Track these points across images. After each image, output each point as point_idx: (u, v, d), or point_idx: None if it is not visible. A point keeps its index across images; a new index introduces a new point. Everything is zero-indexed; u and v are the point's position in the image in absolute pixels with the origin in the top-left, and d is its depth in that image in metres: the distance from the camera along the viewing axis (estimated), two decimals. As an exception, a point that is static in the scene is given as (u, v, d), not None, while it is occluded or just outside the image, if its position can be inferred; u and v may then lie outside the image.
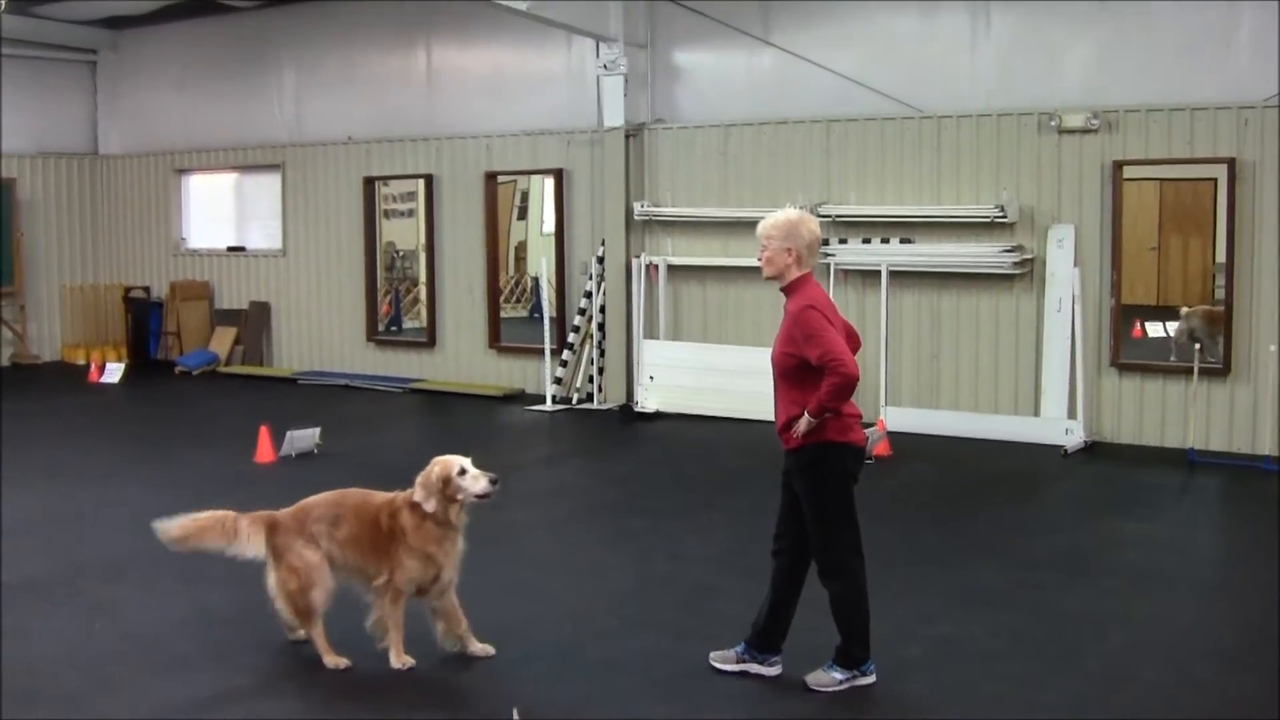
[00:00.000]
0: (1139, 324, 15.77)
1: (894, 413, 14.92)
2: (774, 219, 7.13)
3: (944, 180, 15.19)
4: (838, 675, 7.14)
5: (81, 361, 21.67)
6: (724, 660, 7.43)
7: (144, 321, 22.14)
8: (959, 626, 8.40)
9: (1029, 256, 14.61)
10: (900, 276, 15.32)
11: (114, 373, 20.19)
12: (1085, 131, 14.23)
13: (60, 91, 22.66)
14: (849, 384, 6.76)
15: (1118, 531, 10.92)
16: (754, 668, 7.34)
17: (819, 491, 7.03)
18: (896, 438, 14.05)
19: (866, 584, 7.15)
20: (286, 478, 13.22)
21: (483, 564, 10.07)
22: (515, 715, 6.16)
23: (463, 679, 7.55)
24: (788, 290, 7.10)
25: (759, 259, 7.19)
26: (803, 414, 6.88)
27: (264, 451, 13.80)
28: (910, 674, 7.47)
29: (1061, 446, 13.96)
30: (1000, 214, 14.58)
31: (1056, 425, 14.23)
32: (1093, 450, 14.03)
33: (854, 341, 7.28)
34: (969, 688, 7.28)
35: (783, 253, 7.06)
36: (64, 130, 22.80)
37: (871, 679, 7.18)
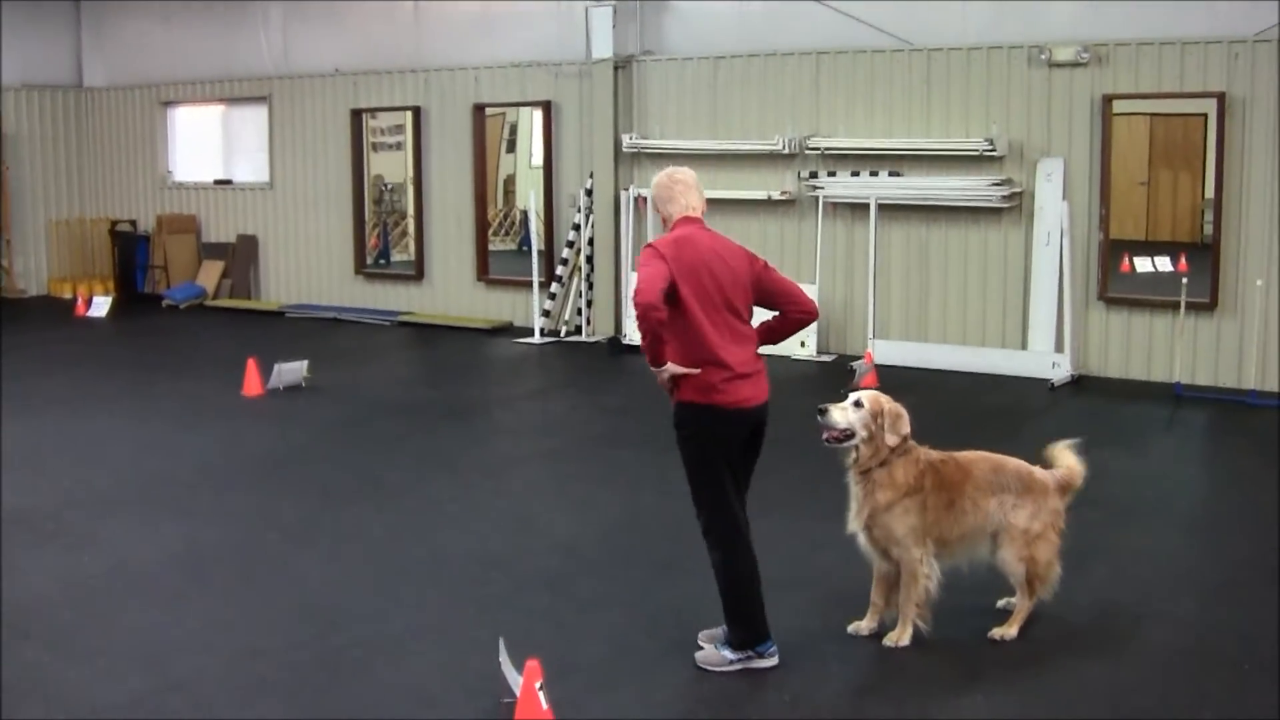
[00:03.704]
0: (1127, 259, 15.74)
1: (882, 345, 14.95)
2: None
3: (933, 113, 15.14)
4: (728, 655, 6.69)
5: (68, 295, 21.61)
6: (711, 663, 6.77)
7: (131, 255, 22.04)
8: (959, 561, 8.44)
9: (1018, 190, 14.59)
10: (889, 209, 15.30)
11: (101, 306, 20.15)
12: (1075, 65, 14.17)
13: (44, 24, 22.42)
14: (644, 312, 6.29)
15: (1103, 465, 10.87)
16: (756, 664, 6.71)
17: (683, 453, 6.68)
18: (884, 370, 14.08)
19: (745, 561, 6.65)
20: (275, 410, 13.25)
21: (473, 496, 10.11)
22: (501, 647, 6.19)
23: (452, 611, 7.59)
24: None
25: None
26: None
27: (251, 384, 13.80)
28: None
29: (1048, 380, 14.01)
30: (989, 147, 14.55)
31: (1044, 359, 14.27)
32: (1079, 384, 14.07)
33: (793, 307, 6.99)
34: (951, 617, 7.31)
35: (655, 214, 7.10)
36: (48, 63, 22.58)
37: (770, 662, 6.70)
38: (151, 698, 6.51)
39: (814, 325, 15.24)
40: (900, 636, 6.96)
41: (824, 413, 6.91)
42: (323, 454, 11.56)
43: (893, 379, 13.91)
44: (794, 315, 7.02)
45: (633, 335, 16.43)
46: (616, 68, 17.00)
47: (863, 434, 6.88)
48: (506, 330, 18.00)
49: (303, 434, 12.28)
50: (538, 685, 5.76)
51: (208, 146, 22.23)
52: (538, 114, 18.51)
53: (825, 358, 15.38)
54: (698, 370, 6.54)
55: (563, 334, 17.37)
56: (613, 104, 17.04)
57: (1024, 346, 14.62)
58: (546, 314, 17.43)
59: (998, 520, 6.99)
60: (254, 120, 21.23)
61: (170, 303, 20.86)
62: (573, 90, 17.66)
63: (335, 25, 19.99)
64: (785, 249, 16.04)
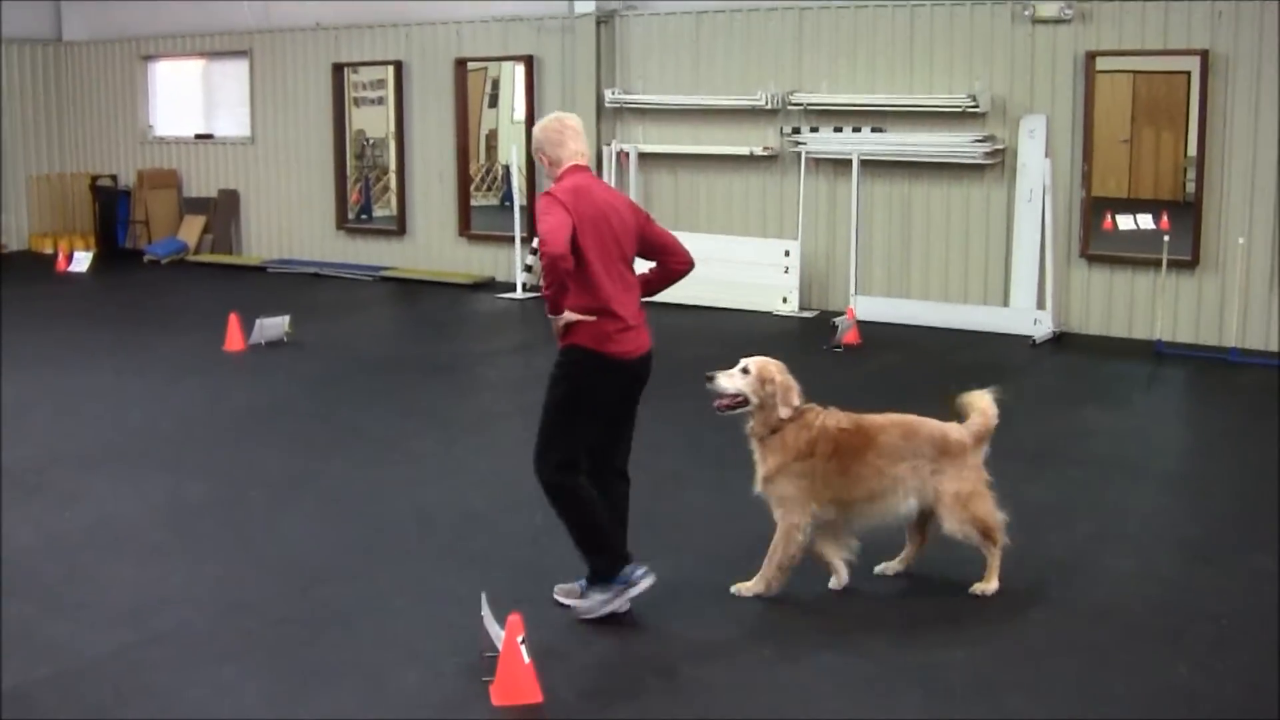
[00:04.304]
0: (1109, 216, 15.78)
1: (864, 301, 14.97)
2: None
3: (916, 69, 15.12)
4: (597, 595, 6.77)
5: (49, 251, 21.50)
6: (583, 609, 6.85)
7: (112, 210, 21.95)
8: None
9: (1000, 147, 14.60)
10: (871, 166, 15.30)
11: (82, 261, 20.06)
12: (1059, 22, 14.16)
13: (21, -25, 22.29)
14: (553, 261, 6.33)
15: (1085, 422, 11.02)
16: (629, 593, 6.78)
17: (554, 393, 6.73)
18: (866, 327, 14.11)
19: (586, 490, 6.73)
20: (256, 365, 13.25)
21: (456, 453, 10.13)
22: (484, 601, 6.21)
23: (434, 566, 7.62)
24: (557, 183, 6.89)
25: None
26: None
27: (233, 339, 13.78)
28: (870, 556, 7.52)
29: (1030, 337, 14.05)
30: (972, 104, 14.55)
31: (1025, 316, 14.30)
32: (1061, 341, 14.12)
33: (673, 260, 7.08)
34: (928, 570, 7.39)
35: (540, 158, 7.00)
36: (25, 16, 22.33)
37: (645, 583, 6.78)
38: (136, 649, 6.54)
39: (795, 281, 15.38)
40: (751, 588, 7.09)
41: (711, 380, 7.04)
42: (305, 409, 11.56)
43: (875, 335, 13.95)
44: (675, 268, 7.12)
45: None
46: (599, 22, 16.94)
47: (754, 400, 6.99)
48: (489, 285, 17.99)
49: (285, 389, 12.27)
50: (519, 639, 5.78)
51: (189, 101, 22.11)
52: (520, 68, 18.44)
53: (807, 314, 15.40)
54: (593, 317, 6.61)
55: (544, 289, 17.33)
56: (595, 59, 16.99)
57: (1006, 303, 14.66)
58: (529, 269, 17.40)
59: (916, 486, 7.07)
60: (235, 74, 21.12)
61: (152, 258, 20.78)
62: (555, 45, 17.59)
63: (316, -22, 19.88)
64: (768, 205, 16.05)
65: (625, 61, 17.12)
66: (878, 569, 7.40)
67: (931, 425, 7.17)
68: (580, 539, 6.78)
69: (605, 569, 6.76)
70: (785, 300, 15.50)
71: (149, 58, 22.19)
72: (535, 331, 15.15)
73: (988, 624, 6.78)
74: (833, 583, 7.22)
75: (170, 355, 13.80)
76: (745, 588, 7.11)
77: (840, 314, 14.49)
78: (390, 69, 19.19)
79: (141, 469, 9.70)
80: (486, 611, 6.15)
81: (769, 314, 15.27)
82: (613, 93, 16.93)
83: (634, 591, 6.76)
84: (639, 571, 6.78)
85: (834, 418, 7.08)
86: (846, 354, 13.29)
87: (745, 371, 7.01)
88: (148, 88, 22.37)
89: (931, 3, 14.92)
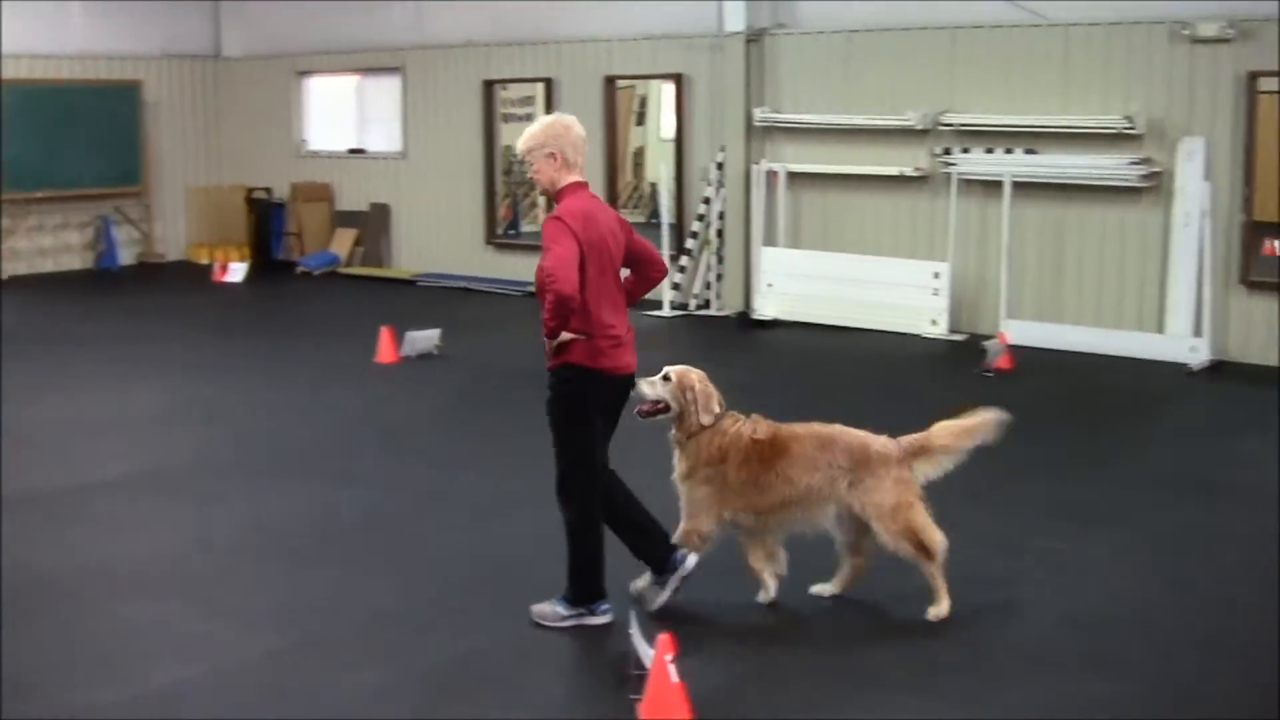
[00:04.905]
0: (1270, 242, 15.38)
1: (1015, 325, 14.74)
2: (527, 133, 6.85)
3: (1071, 90, 14.88)
4: (561, 610, 6.94)
5: (206, 261, 21.95)
6: (548, 618, 7.02)
7: (266, 222, 22.36)
8: (1068, 541, 8.38)
9: (1157, 170, 14.31)
10: (1024, 187, 15.07)
11: (238, 272, 20.45)
12: (1219, 41, 13.85)
13: (185, -5, 22.80)
14: (563, 302, 6.45)
15: (1238, 452, 10.74)
16: (588, 620, 6.96)
17: (558, 415, 6.89)
18: (1018, 351, 13.87)
19: (597, 523, 6.99)
20: (407, 377, 13.40)
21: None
22: (633, 619, 6.19)
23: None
24: (557, 199, 6.87)
25: (532, 178, 6.94)
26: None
27: (386, 351, 13.95)
28: (1017, 582, 7.43)
29: (1186, 364, 13.73)
30: (1128, 125, 14.29)
31: (1181, 343, 13.99)
32: (1218, 369, 13.76)
33: (651, 269, 7.16)
34: (1072, 599, 7.29)
35: (547, 160, 6.80)
36: (188, 34, 22.90)
37: (602, 619, 6.92)
38: (282, 654, 6.63)
39: (945, 304, 15.21)
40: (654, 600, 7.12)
41: (633, 386, 7.09)
42: (453, 421, 11.68)
43: (1026, 359, 13.73)
44: (654, 275, 7.24)
45: (764, 310, 16.39)
46: (748, 41, 16.91)
47: (674, 407, 7.14)
48: (636, 303, 17.95)
49: (434, 401, 12.40)
50: (669, 658, 5.75)
51: (342, 115, 22.48)
52: (667, 87, 18.47)
53: (957, 337, 15.21)
54: (585, 335, 6.71)
55: (692, 307, 17.35)
56: (744, 77, 16.96)
57: (1160, 329, 14.34)
58: (676, 287, 17.41)
59: (831, 496, 7.06)
60: (388, 90, 21.41)
61: (305, 269, 21.13)
62: (704, 63, 17.58)
63: (469, -4, 20.09)
64: (918, 226, 15.89)
65: (775, 80, 17.06)
66: (813, 589, 7.36)
67: (851, 436, 7.17)
68: (577, 561, 6.96)
69: (585, 594, 6.95)
70: (934, 323, 15.32)
71: (304, 73, 22.58)
72: (681, 348, 15.15)
73: (1096, 663, 6.62)
74: (760, 596, 7.26)
75: (323, 366, 14.02)
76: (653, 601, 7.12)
77: (989, 337, 14.29)
78: (540, 85, 19.32)
79: (291, 476, 9.85)
80: (635, 629, 6.13)
81: (917, 336, 15.11)
82: (762, 112, 16.89)
83: (591, 621, 6.93)
84: (604, 606, 6.97)
85: (750, 426, 7.18)
86: (998, 379, 13.10)
87: (666, 379, 7.17)
88: (302, 102, 22.77)
89: (1087, 23, 14.68)
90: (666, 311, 17.03)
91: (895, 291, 15.52)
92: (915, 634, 6.86)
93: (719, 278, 17.37)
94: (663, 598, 7.02)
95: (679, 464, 7.21)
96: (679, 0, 17.72)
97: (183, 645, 6.74)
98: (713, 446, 7.10)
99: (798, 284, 16.32)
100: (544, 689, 6.26)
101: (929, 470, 7.11)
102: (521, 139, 6.87)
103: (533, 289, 18.68)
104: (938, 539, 7.01)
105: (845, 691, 6.25)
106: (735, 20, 16.91)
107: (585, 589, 6.95)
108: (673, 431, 7.24)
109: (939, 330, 15.31)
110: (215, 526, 8.71)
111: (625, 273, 7.13)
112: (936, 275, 15.41)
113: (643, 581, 7.20)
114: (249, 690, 6.26)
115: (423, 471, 10.01)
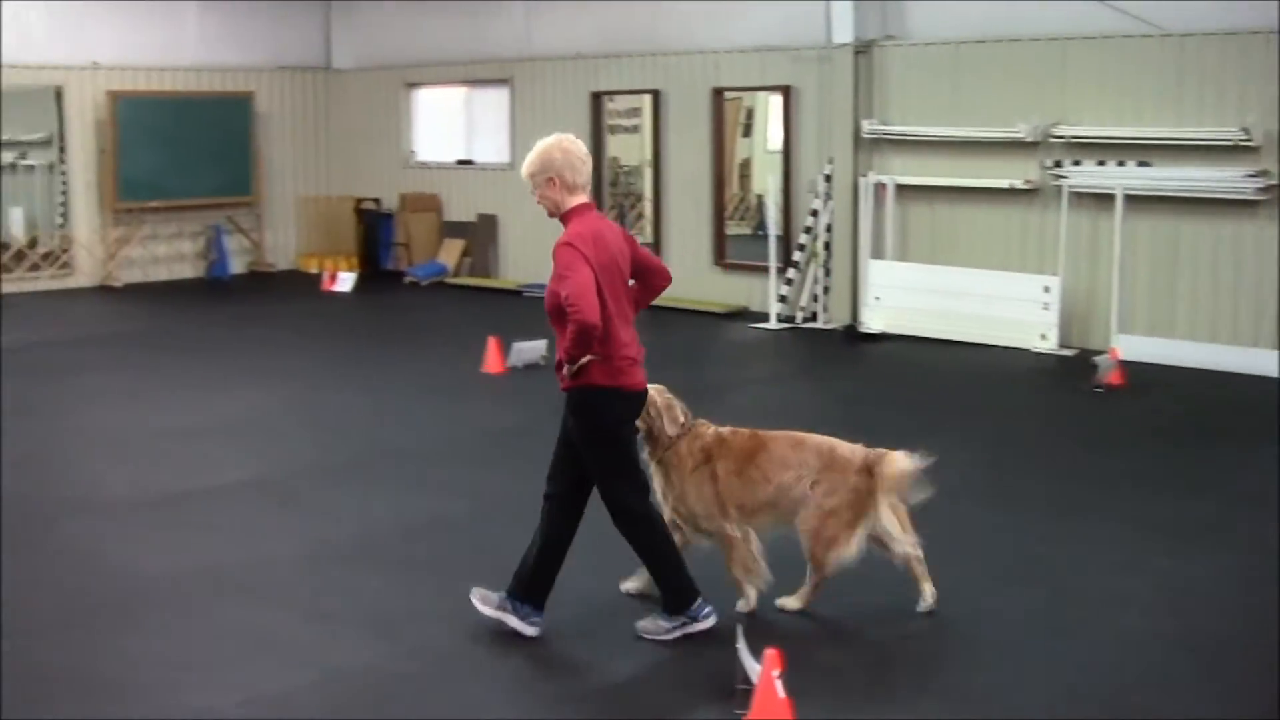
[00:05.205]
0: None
1: (1127, 341, 14.53)
2: (527, 159, 6.87)
3: (1185, 102, 14.65)
4: (664, 623, 6.93)
5: (315, 270, 22.20)
6: (484, 601, 7.11)
7: (375, 232, 22.61)
8: (1180, 560, 8.27)
9: (1274, 182, 14.06)
10: (1136, 200, 14.86)
11: (346, 282, 20.64)
12: (1338, 51, 13.62)
13: (295, 7, 23.05)
14: (586, 331, 6.46)
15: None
16: (511, 620, 6.98)
17: (588, 436, 6.89)
18: (1130, 367, 13.66)
19: (661, 527, 7.02)
20: (514, 387, 13.47)
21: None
22: (740, 634, 6.16)
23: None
24: (564, 221, 6.84)
25: (538, 203, 6.95)
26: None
27: (493, 362, 14.03)
28: (1125, 604, 7.34)
29: (1302, 380, 13.49)
30: (1244, 137, 14.05)
31: (1297, 358, 13.75)
32: (1335, 385, 13.51)
33: (656, 279, 7.18)
34: (1183, 619, 7.19)
35: (547, 184, 6.81)
36: (298, 45, 23.24)
37: (706, 624, 6.93)
38: (389, 661, 6.68)
39: (1055, 318, 15.03)
40: (747, 604, 7.23)
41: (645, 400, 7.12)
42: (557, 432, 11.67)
43: (1137, 375, 13.52)
44: (659, 285, 7.26)
45: (871, 323, 16.29)
46: (857, 52, 16.84)
47: (640, 426, 7.19)
48: (742, 315, 17.97)
49: (540, 411, 12.40)
50: (775, 674, 5.71)
51: (450, 127, 22.66)
52: (774, 98, 18.43)
53: (1067, 352, 15.01)
54: (603, 356, 6.71)
55: (799, 320, 17.28)
56: (853, 89, 16.88)
57: (1276, 346, 14.07)
58: (783, 300, 17.35)
59: (800, 494, 7.09)
60: (496, 101, 21.56)
61: (413, 279, 21.31)
62: (812, 75, 17.53)
63: (576, 9, 20.16)
64: (1028, 239, 15.73)
65: (883, 92, 16.96)
66: (778, 602, 7.31)
67: (820, 439, 7.26)
68: (661, 569, 6.98)
69: (681, 602, 6.94)
70: (1044, 337, 15.15)
71: (413, 85, 22.79)
72: (789, 362, 15.14)
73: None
74: (740, 605, 7.23)
75: (430, 375, 14.14)
76: (747, 607, 7.22)
77: (1100, 352, 14.11)
78: (647, 97, 19.35)
79: (398, 484, 9.93)
80: (742, 644, 6.10)
81: (1026, 351, 14.95)
82: (870, 123, 16.80)
83: (695, 627, 6.92)
84: (706, 609, 6.96)
85: (728, 429, 7.37)
86: (1109, 395, 12.91)
87: None
88: (411, 114, 22.98)
89: (1201, 32, 14.46)
90: (773, 324, 16.99)
91: (1004, 305, 15.37)
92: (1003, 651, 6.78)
93: (826, 290, 17.29)
94: (656, 634, 6.94)
95: (668, 481, 7.27)
96: (786, 12, 17.69)
97: (290, 651, 6.82)
98: (695, 449, 7.23)
99: (906, 297, 16.21)
100: (649, 703, 6.24)
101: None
102: (524, 164, 6.94)
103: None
104: (837, 557, 7.06)
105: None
106: (844, 32, 16.86)
107: (677, 593, 6.94)
108: (646, 451, 7.30)
109: (1049, 345, 15.13)
110: (323, 533, 8.79)
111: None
112: (1047, 289, 15.23)
113: (633, 583, 7.43)
114: (358, 698, 6.31)
115: (529, 481, 10.00)
